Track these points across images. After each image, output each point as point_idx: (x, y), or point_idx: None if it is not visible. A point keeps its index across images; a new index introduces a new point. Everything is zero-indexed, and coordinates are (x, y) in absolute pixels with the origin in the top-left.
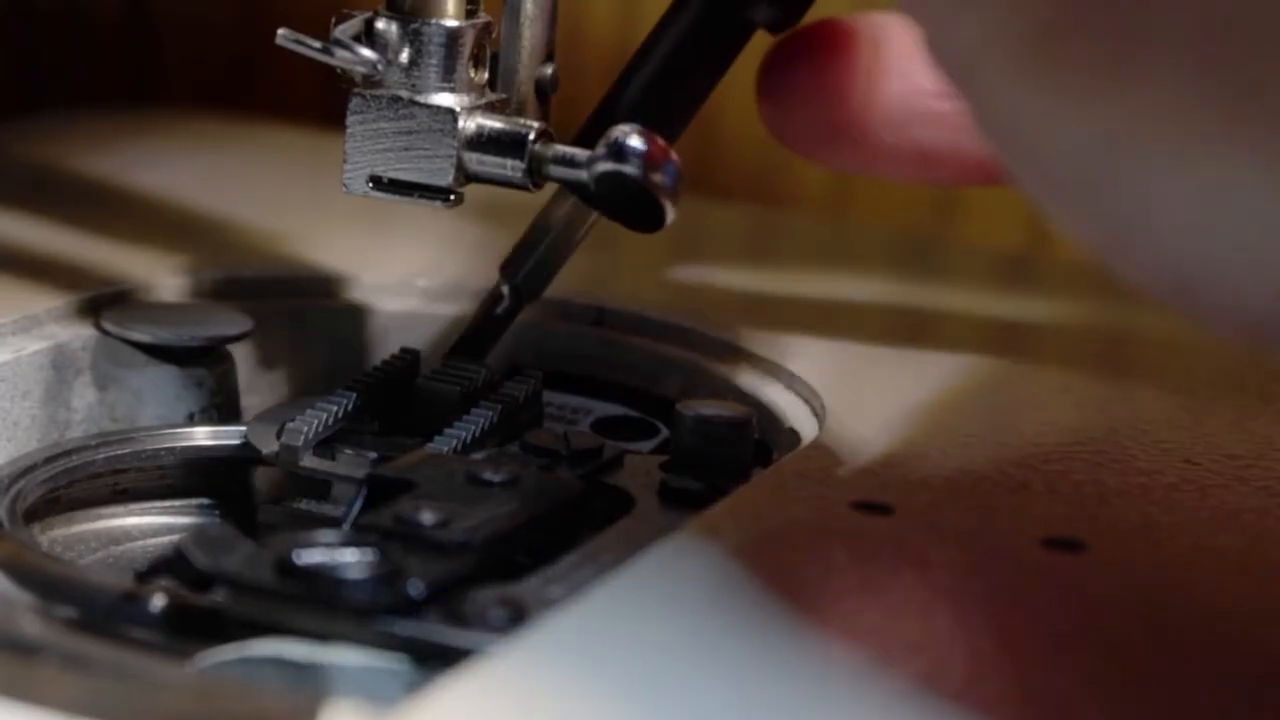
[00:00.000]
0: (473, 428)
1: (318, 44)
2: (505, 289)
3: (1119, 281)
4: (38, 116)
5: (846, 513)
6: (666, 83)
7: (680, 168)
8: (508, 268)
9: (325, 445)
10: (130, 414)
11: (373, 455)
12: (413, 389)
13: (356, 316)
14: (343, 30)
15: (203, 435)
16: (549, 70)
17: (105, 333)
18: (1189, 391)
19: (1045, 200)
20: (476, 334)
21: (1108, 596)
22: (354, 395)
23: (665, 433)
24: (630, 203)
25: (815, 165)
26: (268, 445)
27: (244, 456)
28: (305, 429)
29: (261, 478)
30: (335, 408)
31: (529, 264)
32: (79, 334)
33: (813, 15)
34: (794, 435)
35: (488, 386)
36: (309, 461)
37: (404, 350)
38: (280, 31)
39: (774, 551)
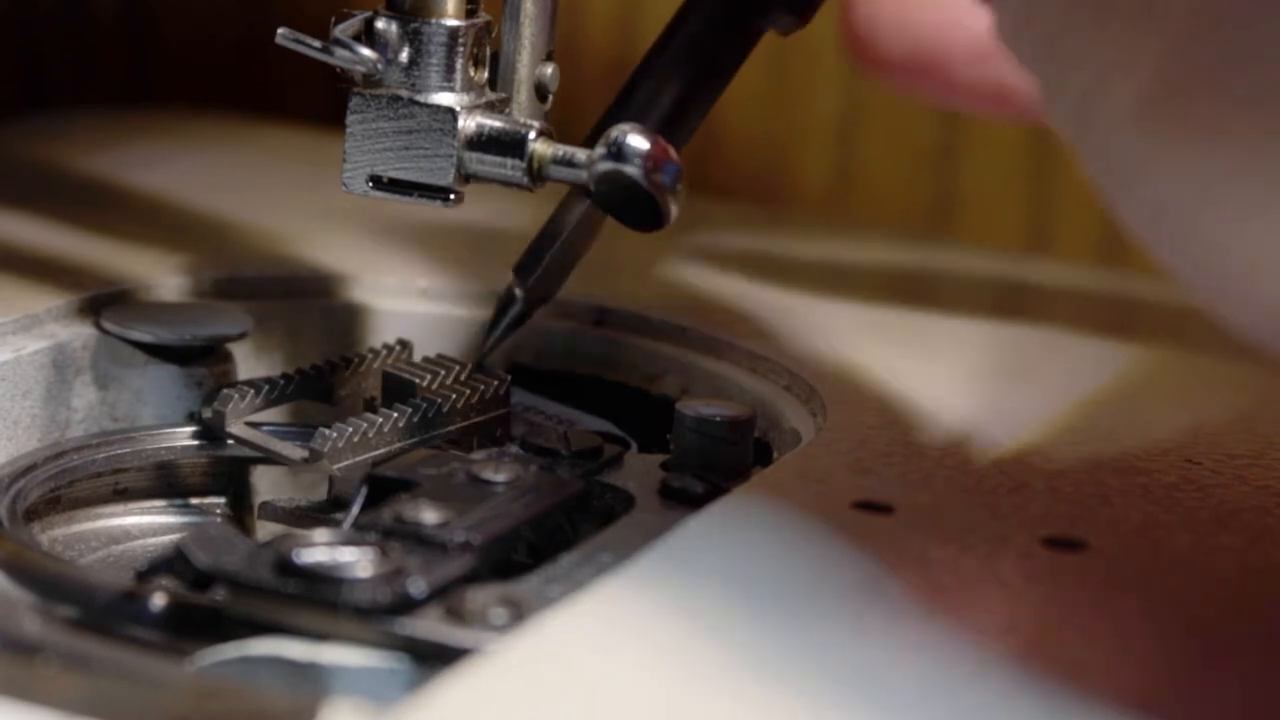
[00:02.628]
0: (411, 412)
1: (317, 43)
2: (518, 291)
3: (1217, 322)
4: (38, 116)
5: (847, 512)
6: (677, 86)
7: (681, 167)
8: (521, 270)
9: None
10: (130, 413)
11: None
12: (384, 376)
13: (356, 316)
14: (342, 30)
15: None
16: (549, 69)
17: (106, 332)
18: (1189, 391)
19: (1148, 239)
20: (495, 337)
21: (1108, 595)
22: (296, 375)
23: (634, 447)
24: (631, 202)
25: (895, 92)
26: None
27: (244, 456)
28: (237, 396)
29: (261, 477)
30: (277, 384)
31: (542, 266)
32: (79, 333)
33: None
34: (794, 434)
35: (458, 382)
36: (237, 429)
37: (399, 341)
38: (280, 31)
39: (774, 551)
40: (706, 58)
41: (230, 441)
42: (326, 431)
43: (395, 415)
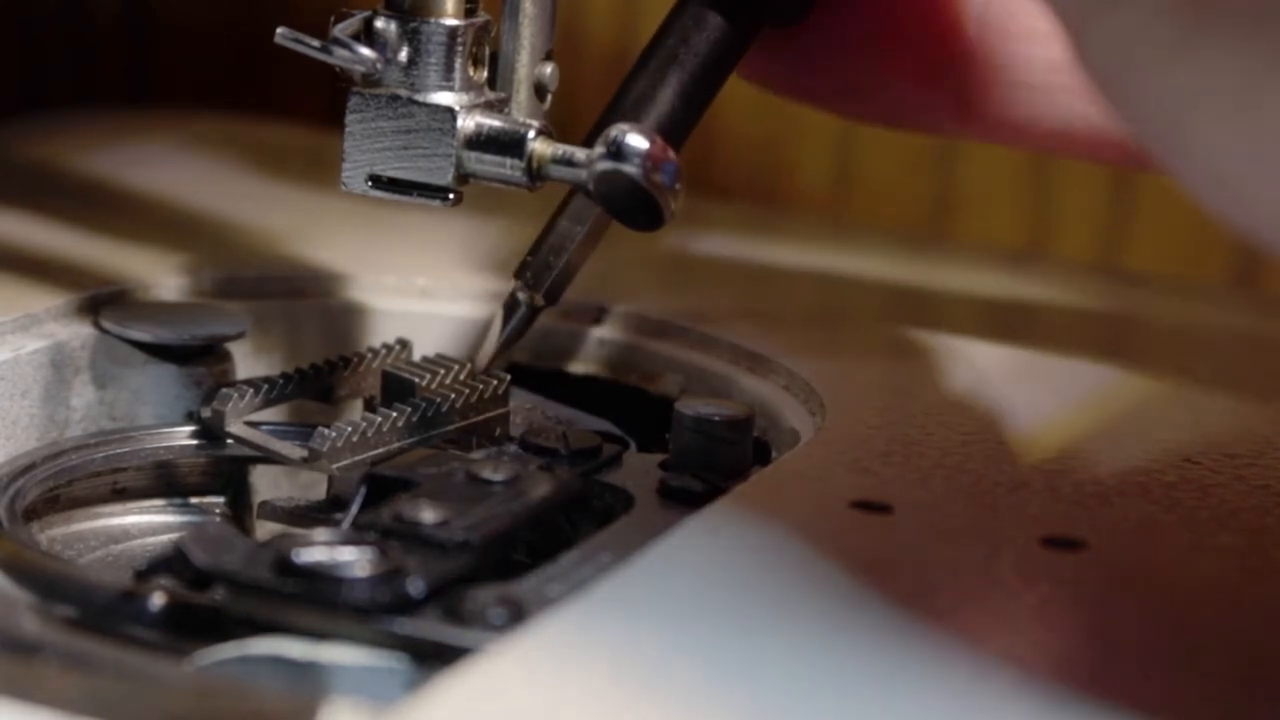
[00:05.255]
0: (411, 411)
1: (317, 43)
2: (522, 295)
3: (1229, 228)
4: (38, 116)
5: (846, 511)
6: (673, 83)
7: (680, 167)
8: (523, 273)
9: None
10: (129, 413)
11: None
12: (384, 376)
13: (355, 315)
14: (342, 29)
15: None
16: (548, 69)
17: (104, 331)
18: (1189, 390)
19: (1155, 142)
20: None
21: (1107, 595)
22: (295, 374)
23: (633, 447)
24: (630, 202)
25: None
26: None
27: (243, 456)
28: (237, 396)
29: (260, 477)
30: (276, 384)
31: (545, 268)
32: (78, 333)
33: None
34: (793, 434)
35: (457, 381)
36: (237, 429)
37: (399, 340)
38: (279, 30)
39: (772, 550)
40: (703, 54)
41: (229, 441)
42: (326, 431)
43: (395, 415)
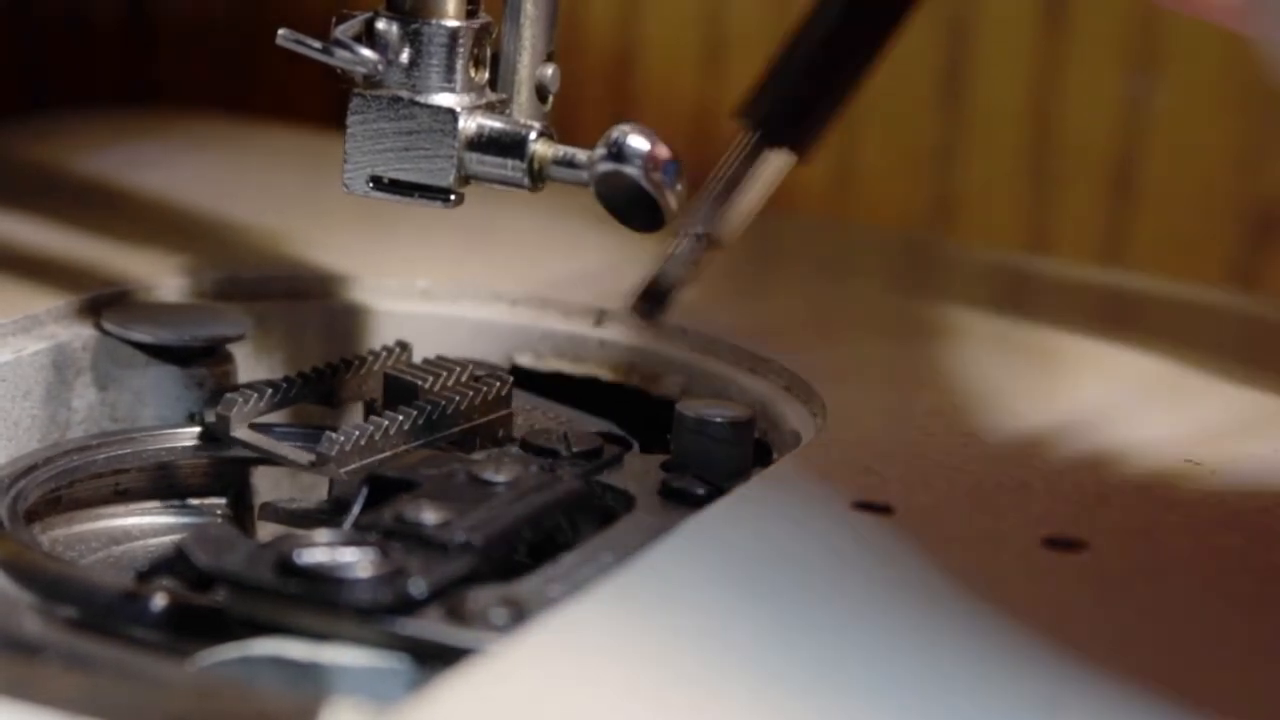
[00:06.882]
0: (416, 415)
1: (318, 44)
2: (695, 234)
3: None
4: (38, 116)
5: (847, 512)
6: (832, 58)
7: (681, 167)
8: (750, 112)
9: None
10: (131, 414)
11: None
12: (386, 378)
13: (357, 317)
14: (343, 30)
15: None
16: (549, 70)
17: (106, 333)
18: (1189, 389)
19: None
20: (660, 282)
21: (1108, 595)
22: (298, 378)
23: (636, 447)
24: (631, 203)
25: None
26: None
27: (244, 457)
28: (241, 400)
29: (261, 478)
30: (280, 387)
31: (715, 204)
32: (79, 334)
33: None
34: (794, 435)
35: (459, 383)
36: (241, 434)
37: (398, 342)
38: (280, 32)
39: (774, 551)
40: (861, 26)
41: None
42: (333, 436)
43: (400, 419)
